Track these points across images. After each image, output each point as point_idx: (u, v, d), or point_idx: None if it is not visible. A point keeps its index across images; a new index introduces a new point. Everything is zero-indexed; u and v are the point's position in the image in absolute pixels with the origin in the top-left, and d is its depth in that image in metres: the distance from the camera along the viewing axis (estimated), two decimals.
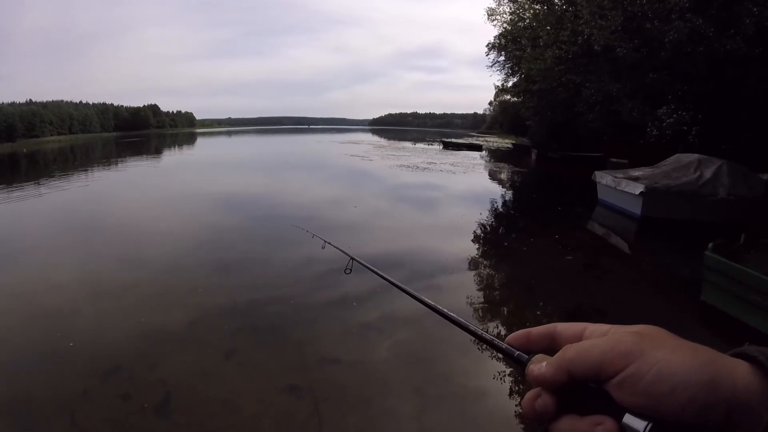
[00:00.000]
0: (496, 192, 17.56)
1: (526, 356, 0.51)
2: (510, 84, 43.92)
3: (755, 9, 11.70)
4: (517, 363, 0.52)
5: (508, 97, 58.13)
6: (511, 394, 4.07)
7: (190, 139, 70.11)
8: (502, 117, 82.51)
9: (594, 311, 6.01)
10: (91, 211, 12.56)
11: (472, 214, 12.24)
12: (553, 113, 33.70)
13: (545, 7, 27.01)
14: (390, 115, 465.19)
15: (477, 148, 43.82)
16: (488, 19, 36.87)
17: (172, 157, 33.16)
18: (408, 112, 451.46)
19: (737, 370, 0.40)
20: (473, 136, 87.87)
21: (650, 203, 11.51)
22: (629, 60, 16.96)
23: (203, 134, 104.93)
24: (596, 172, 14.06)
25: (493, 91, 66.57)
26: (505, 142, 56.74)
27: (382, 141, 57.32)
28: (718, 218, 11.27)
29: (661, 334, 0.44)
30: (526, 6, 31.13)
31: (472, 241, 9.64)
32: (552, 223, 11.53)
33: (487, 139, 72.56)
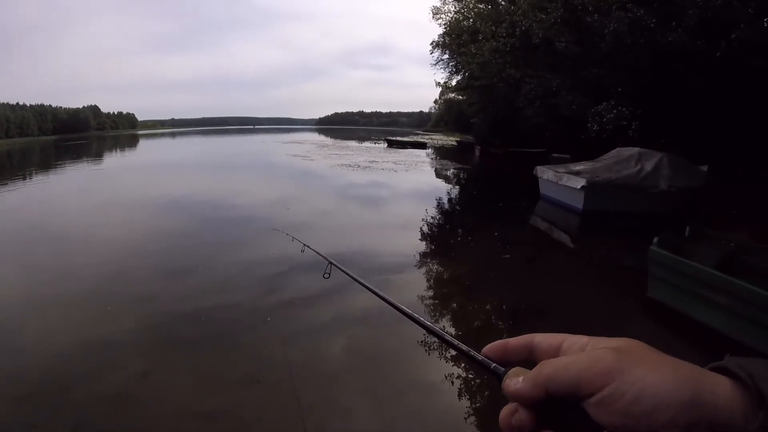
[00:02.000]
0: (438, 189, 16.87)
1: (503, 369, 0.49)
2: (454, 82, 43.90)
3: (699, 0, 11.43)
4: (493, 375, 0.50)
5: (453, 95, 58.52)
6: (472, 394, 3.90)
7: (132, 142, 66.98)
8: (448, 115, 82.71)
9: (535, 312, 5.52)
10: (27, 219, 11.26)
11: (412, 213, 11.65)
12: (494, 109, 33.87)
13: (489, 6, 26.83)
14: (336, 114, 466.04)
15: (421, 146, 43.43)
16: (433, 17, 36.60)
17: (113, 160, 31.27)
18: (354, 110, 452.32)
19: (719, 388, 0.38)
20: (419, 134, 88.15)
21: (592, 197, 11.22)
22: (569, 54, 16.76)
23: (146, 136, 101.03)
24: (537, 167, 13.71)
25: (439, 90, 66.85)
26: (449, 140, 56.67)
27: (327, 140, 56.33)
28: (660, 209, 11.26)
29: (641, 349, 0.43)
30: (471, 5, 30.97)
31: (412, 240, 8.93)
32: (493, 219, 11.06)
33: (432, 137, 72.59)
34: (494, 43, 20.41)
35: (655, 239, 5.41)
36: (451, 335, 0.58)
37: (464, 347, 0.55)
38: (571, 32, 16.20)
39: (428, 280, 6.73)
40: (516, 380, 0.46)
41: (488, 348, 0.52)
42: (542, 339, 0.50)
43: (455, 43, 33.40)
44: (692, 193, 11.65)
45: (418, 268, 7.22)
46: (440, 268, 7.38)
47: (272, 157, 30.54)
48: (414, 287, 6.31)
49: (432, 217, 11.25)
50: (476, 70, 25.53)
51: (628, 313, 5.59)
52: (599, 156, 13.59)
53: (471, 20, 29.65)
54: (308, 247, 2.21)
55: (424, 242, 9.10)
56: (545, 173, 13.06)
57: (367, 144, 48.28)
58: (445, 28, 36.29)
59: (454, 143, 48.68)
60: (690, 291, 5.01)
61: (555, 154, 23.25)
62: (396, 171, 20.90)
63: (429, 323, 0.63)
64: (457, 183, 19.11)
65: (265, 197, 14.04)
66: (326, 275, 1.53)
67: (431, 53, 43.71)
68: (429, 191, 15.86)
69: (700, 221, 6.95)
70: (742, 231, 8.82)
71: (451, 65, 42.41)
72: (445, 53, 42.14)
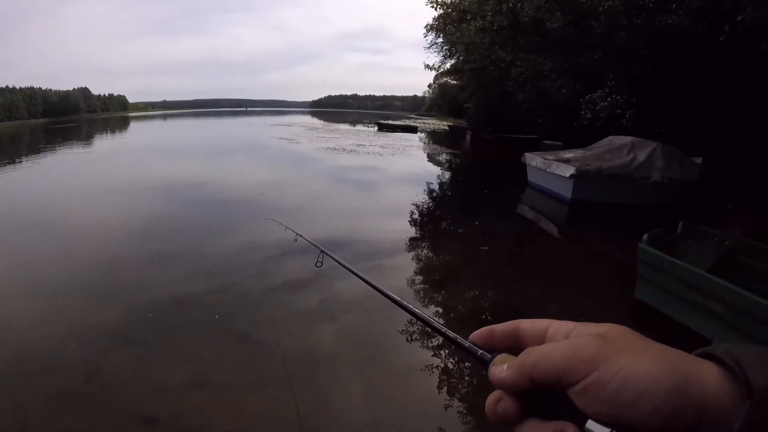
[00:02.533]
0: (425, 176, 16.00)
1: (489, 355, 0.49)
2: (447, 66, 43.07)
3: None
4: (479, 362, 0.50)
5: (446, 80, 57.74)
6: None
7: (122, 124, 65.35)
8: (441, 99, 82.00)
9: (512, 311, 4.96)
10: (11, 204, 10.85)
11: (393, 201, 11.14)
12: (485, 94, 33.19)
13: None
14: (330, 97, 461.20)
15: (412, 130, 42.74)
16: (428, 3, 35.46)
17: (102, 144, 30.10)
18: (348, 94, 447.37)
19: (705, 374, 0.38)
20: (411, 118, 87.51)
21: (581, 186, 10.72)
22: (560, 35, 16.05)
23: (137, 118, 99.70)
24: (526, 153, 13.12)
25: (433, 74, 66.07)
26: (442, 125, 55.92)
27: (317, 123, 55.40)
28: (651, 201, 10.87)
29: (626, 335, 0.42)
30: None
31: (390, 231, 8.30)
32: (478, 208, 10.46)
33: (425, 121, 71.97)
34: (480, 22, 19.60)
35: (645, 236, 4.91)
36: (439, 322, 0.57)
37: (451, 333, 0.55)
38: (562, 12, 15.44)
39: (401, 273, 6.18)
40: (501, 368, 0.45)
41: (475, 334, 0.52)
42: (528, 325, 0.50)
43: (447, 23, 32.52)
44: (686, 186, 11.16)
45: (391, 258, 6.70)
46: (417, 262, 6.78)
47: (257, 140, 29.65)
48: (388, 278, 5.83)
49: (413, 206, 10.50)
50: (463, 52, 24.77)
51: (613, 315, 5.06)
52: (592, 144, 13.12)
53: (466, 3, 28.77)
54: (301, 236, 2.15)
55: (402, 233, 8.32)
56: (533, 160, 12.50)
57: (358, 127, 47.53)
58: (443, 9, 35.30)
59: (446, 128, 48.04)
60: (680, 294, 4.56)
61: (547, 141, 22.75)
62: (382, 155, 20.23)
63: (417, 310, 0.63)
64: (445, 170, 18.42)
65: (241, 182, 13.33)
66: (319, 264, 1.56)
67: (425, 36, 42.86)
68: (414, 178, 15.15)
69: (693, 216, 6.43)
70: (738, 227, 8.49)
71: (445, 49, 41.66)
72: (438, 36, 41.38)
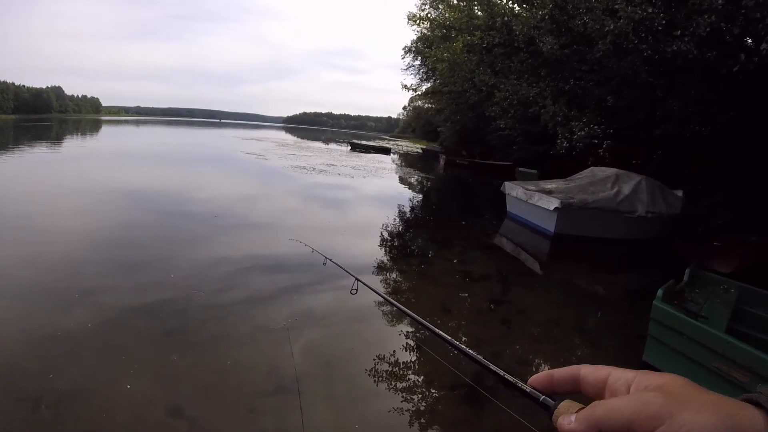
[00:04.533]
0: (396, 201, 14.80)
1: (552, 401, 0.51)
2: (423, 89, 42.98)
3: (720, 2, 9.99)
4: (542, 408, 0.52)
5: (421, 102, 57.78)
6: None
7: (94, 127, 63.56)
8: (415, 122, 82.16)
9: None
10: None
11: (360, 228, 10.36)
12: (462, 118, 32.93)
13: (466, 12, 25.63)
14: (305, 113, 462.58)
15: (385, 151, 42.27)
16: (408, 23, 35.18)
17: (73, 145, 28.70)
18: (323, 111, 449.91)
19: (755, 421, 0.41)
20: (385, 139, 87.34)
21: (565, 220, 10.16)
22: (557, 56, 15.58)
23: (109, 122, 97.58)
24: (506, 183, 12.53)
25: (408, 96, 66.37)
26: (415, 147, 55.69)
27: (289, 140, 54.24)
28: (635, 236, 10.58)
29: (685, 387, 0.45)
30: (447, 14, 29.79)
31: (360, 262, 7.34)
32: (454, 243, 9.42)
33: (398, 142, 71.62)
34: (469, 38, 19.04)
35: (660, 292, 4.26)
36: (495, 365, 0.58)
37: (511, 378, 0.56)
38: (557, 34, 14.96)
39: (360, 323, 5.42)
40: (569, 418, 0.47)
41: (534, 379, 0.54)
42: (588, 372, 0.52)
43: (426, 45, 32.24)
44: (669, 220, 10.78)
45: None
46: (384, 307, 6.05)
47: (226, 153, 28.58)
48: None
49: (384, 239, 9.53)
50: (445, 72, 24.21)
51: None
52: (570, 174, 12.70)
53: (448, 23, 28.38)
54: (331, 260, 2.16)
55: (373, 268, 7.32)
56: (514, 190, 11.91)
57: (332, 145, 46.76)
58: (422, 32, 35.00)
59: (420, 150, 47.84)
60: (699, 360, 3.90)
61: (522, 169, 22.46)
62: (353, 177, 19.37)
63: (471, 351, 0.64)
64: (417, 194, 17.76)
65: (197, 197, 12.31)
66: (354, 291, 1.66)
67: (402, 58, 43.06)
68: (384, 202, 14.32)
69: (697, 261, 5.87)
70: (729, 263, 8.10)
71: (422, 72, 41.66)
72: (416, 59, 41.39)
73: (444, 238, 9.73)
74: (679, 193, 11.66)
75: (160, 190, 12.57)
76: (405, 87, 37.26)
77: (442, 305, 5.89)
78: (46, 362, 3.69)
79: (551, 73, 16.51)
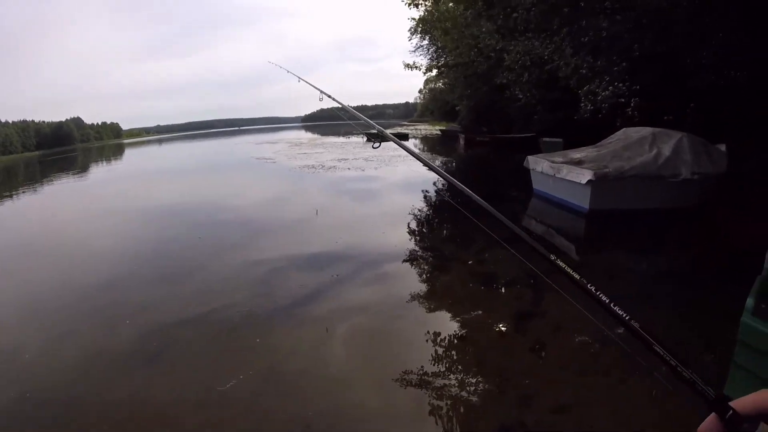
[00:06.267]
0: (408, 193, 13.38)
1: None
2: (434, 72, 41.43)
3: None
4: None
5: (435, 84, 56.34)
6: None
7: (117, 152, 65.27)
8: (433, 104, 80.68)
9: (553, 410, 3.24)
10: (17, 235, 11.54)
11: (368, 228, 9.34)
12: (474, 92, 31.51)
13: None
14: (322, 110, 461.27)
15: (403, 137, 41.04)
16: (409, 6, 33.52)
17: (98, 172, 30.05)
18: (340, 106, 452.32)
19: None
20: (404, 125, 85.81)
21: (601, 193, 8.88)
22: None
23: (131, 145, 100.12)
24: (529, 157, 11.28)
25: (419, 76, 65.18)
26: (434, 130, 54.04)
27: (305, 138, 53.49)
28: (681, 203, 9.04)
29: None
30: None
31: (355, 286, 6.35)
32: (473, 237, 7.74)
33: (417, 127, 70.14)
34: None
35: (750, 302, 3.01)
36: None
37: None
38: None
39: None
40: None
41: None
42: None
43: (434, 27, 30.81)
44: (717, 180, 9.39)
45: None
46: (389, 345, 4.94)
47: (235, 161, 28.50)
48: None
49: (388, 239, 8.35)
50: (442, 38, 22.83)
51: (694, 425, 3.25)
52: (599, 140, 11.36)
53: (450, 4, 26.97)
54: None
55: (378, 292, 6.28)
56: (539, 164, 10.66)
57: (350, 138, 45.66)
58: (425, 11, 33.51)
59: (438, 133, 46.44)
60: None
61: (546, 139, 20.99)
62: (363, 170, 18.37)
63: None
64: (431, 185, 16.60)
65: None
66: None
67: (410, 40, 41.58)
68: (395, 197, 13.10)
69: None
70: None
71: (431, 51, 40.18)
72: (424, 39, 39.88)
73: (462, 234, 8.39)
74: (723, 147, 10.17)
75: (167, 205, 13.37)
76: (408, 66, 35.44)
77: (453, 325, 4.82)
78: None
79: (566, 22, 15.04)
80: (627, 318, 0.54)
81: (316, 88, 3.36)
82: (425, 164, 0.93)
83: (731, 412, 0.44)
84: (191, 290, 6.16)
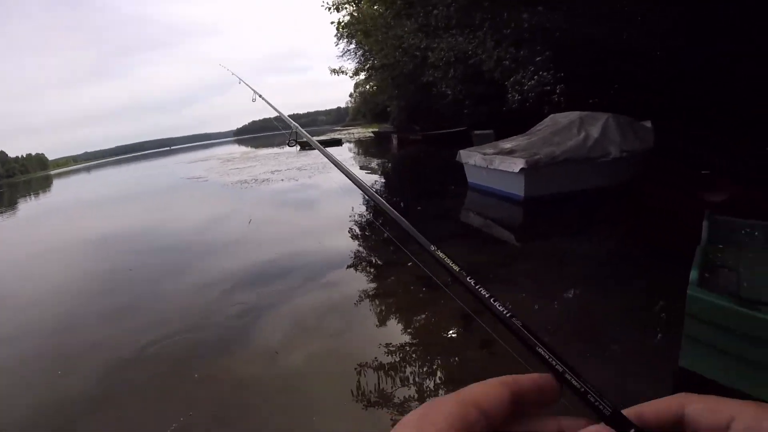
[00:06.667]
0: (342, 198, 12.48)
1: None
2: (362, 76, 41.33)
3: None
4: None
5: (365, 87, 56.29)
6: None
7: (45, 184, 61.26)
8: (364, 107, 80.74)
9: None
10: None
11: (296, 239, 8.93)
12: (403, 92, 31.62)
13: None
14: (254, 122, 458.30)
15: (336, 143, 40.51)
16: (330, 11, 32.80)
17: (28, 208, 27.90)
18: (272, 116, 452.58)
19: None
20: (337, 130, 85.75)
21: (534, 180, 8.84)
22: None
23: (59, 175, 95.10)
24: (461, 151, 11.16)
25: (348, 81, 65.15)
26: (367, 132, 54.12)
27: (237, 153, 52.16)
28: (612, 181, 9.18)
29: None
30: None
31: (298, 296, 5.98)
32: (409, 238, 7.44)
33: (350, 131, 70.21)
34: None
35: (694, 273, 2.93)
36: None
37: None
38: None
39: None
40: None
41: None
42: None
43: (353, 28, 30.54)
44: (644, 156, 9.59)
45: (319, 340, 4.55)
46: (337, 351, 4.64)
47: (167, 184, 27.14)
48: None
49: (325, 247, 8.04)
50: (374, 44, 22.71)
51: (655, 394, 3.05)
52: (527, 127, 11.41)
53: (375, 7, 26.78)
54: None
55: (323, 297, 6.05)
56: (471, 157, 10.55)
57: (284, 149, 44.83)
58: (347, 16, 33.13)
59: (372, 135, 46.42)
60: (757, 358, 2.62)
61: (477, 132, 21.13)
62: (297, 180, 17.73)
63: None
64: (368, 184, 16.21)
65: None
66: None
67: (336, 45, 41.23)
68: (330, 203, 12.63)
69: (711, 208, 4.58)
70: (719, 194, 7.18)
71: (359, 54, 40.01)
72: (350, 43, 39.66)
73: (397, 236, 7.98)
74: (648, 124, 10.39)
75: (101, 236, 12.28)
76: (334, 71, 35.27)
77: (398, 332, 4.51)
78: None
79: (488, 17, 15.12)
80: (508, 315, 0.44)
81: (250, 87, 3.23)
82: (344, 173, 0.92)
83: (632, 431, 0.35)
84: (132, 326, 5.51)
